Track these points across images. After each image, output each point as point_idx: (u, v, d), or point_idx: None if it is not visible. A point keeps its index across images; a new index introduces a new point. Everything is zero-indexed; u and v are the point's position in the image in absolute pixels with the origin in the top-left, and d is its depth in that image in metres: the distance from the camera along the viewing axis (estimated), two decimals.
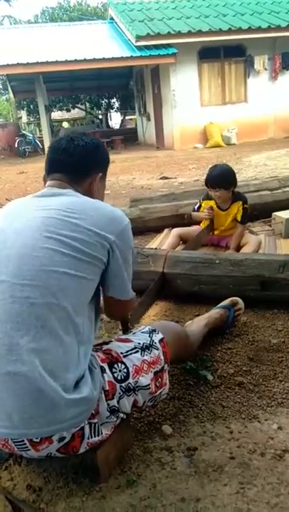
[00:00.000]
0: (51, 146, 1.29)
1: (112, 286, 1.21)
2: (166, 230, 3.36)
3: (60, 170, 1.25)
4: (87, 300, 1.13)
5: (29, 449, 1.04)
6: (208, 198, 2.85)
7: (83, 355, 1.08)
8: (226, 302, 1.92)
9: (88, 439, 1.09)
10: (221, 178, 2.70)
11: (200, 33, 10.28)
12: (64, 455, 1.09)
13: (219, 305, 1.91)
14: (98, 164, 1.31)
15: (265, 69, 11.29)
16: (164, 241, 3.07)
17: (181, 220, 3.34)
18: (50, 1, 29.10)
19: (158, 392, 1.25)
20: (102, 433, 1.12)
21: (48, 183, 1.26)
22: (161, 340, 1.30)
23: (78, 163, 1.25)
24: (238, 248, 2.75)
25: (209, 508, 1.08)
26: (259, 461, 1.21)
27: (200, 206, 2.90)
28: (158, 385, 1.25)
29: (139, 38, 10.23)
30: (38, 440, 1.02)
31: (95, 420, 1.10)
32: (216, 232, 2.95)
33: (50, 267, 1.05)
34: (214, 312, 1.86)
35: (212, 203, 2.82)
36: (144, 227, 3.46)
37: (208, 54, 10.99)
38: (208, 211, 2.82)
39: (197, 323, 1.75)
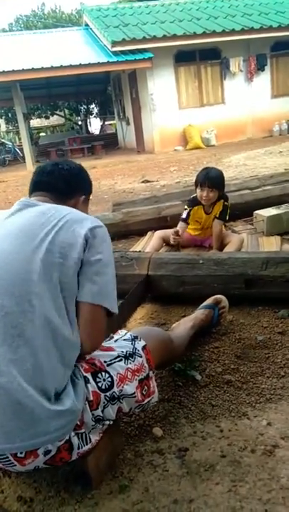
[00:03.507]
0: (36, 171, 1.33)
1: (87, 287, 1.08)
2: (149, 233, 3.37)
3: (45, 190, 1.28)
4: (67, 309, 1.08)
5: (15, 465, 1.01)
6: (194, 204, 2.84)
7: (65, 364, 1.05)
8: (209, 301, 1.92)
9: (78, 449, 1.07)
10: (219, 180, 2.74)
11: (175, 37, 10.38)
12: (53, 466, 1.07)
13: (203, 304, 1.91)
14: (82, 187, 1.35)
15: (241, 71, 11.45)
16: (148, 244, 3.08)
17: (164, 222, 3.35)
18: (24, 8, 28.92)
19: (146, 401, 1.24)
20: (91, 440, 1.11)
21: (31, 198, 1.26)
22: (144, 348, 1.28)
23: (63, 185, 1.29)
24: (221, 248, 2.78)
25: (202, 508, 1.08)
26: (250, 457, 1.22)
27: (188, 214, 2.86)
28: (145, 393, 1.23)
29: (114, 43, 10.26)
30: (22, 455, 1.00)
31: (82, 430, 1.08)
32: (198, 233, 2.96)
33: (26, 274, 1.03)
34: (199, 313, 1.86)
35: (200, 208, 2.83)
36: (128, 231, 3.46)
37: (184, 57, 11.09)
38: (173, 237, 2.74)
39: (183, 326, 1.75)
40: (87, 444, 1.09)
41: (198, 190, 2.76)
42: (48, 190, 1.27)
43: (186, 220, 2.88)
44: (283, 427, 1.32)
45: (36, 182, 1.30)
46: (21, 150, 12.96)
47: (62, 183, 1.28)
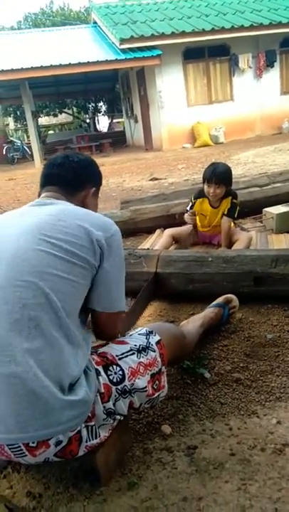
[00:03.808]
0: (46, 163, 1.35)
1: (103, 296, 1.16)
2: (158, 231, 3.36)
3: (55, 183, 1.29)
4: (79, 304, 1.12)
5: (26, 455, 1.02)
6: (200, 196, 2.85)
7: (78, 357, 1.07)
8: (219, 300, 1.91)
9: (86, 442, 1.08)
10: (226, 175, 2.73)
11: (183, 33, 10.33)
12: (62, 459, 1.08)
13: (213, 303, 1.91)
14: (92, 179, 1.36)
15: (250, 67, 11.38)
16: (156, 241, 3.07)
17: (173, 220, 3.34)
18: (33, 6, 28.97)
19: (156, 395, 1.24)
20: (100, 435, 1.11)
21: (42, 195, 1.29)
22: (158, 342, 1.29)
23: (73, 177, 1.30)
24: (230, 246, 2.76)
25: (211, 506, 1.07)
26: (259, 456, 1.21)
27: (193, 205, 2.89)
28: (155, 387, 1.24)
29: (123, 40, 10.25)
30: (34, 445, 1.01)
31: (92, 423, 1.09)
32: (207, 230, 2.95)
33: (42, 268, 1.05)
34: (209, 311, 1.85)
35: (206, 201, 2.82)
36: (136, 229, 3.45)
37: (193, 54, 11.05)
38: (190, 217, 2.89)
39: (193, 323, 1.74)
40: (95, 438, 1.10)
41: (205, 186, 2.75)
42: (58, 184, 1.29)
43: (188, 211, 2.91)
44: None
45: (47, 175, 1.31)
46: (30, 148, 13.02)
47: (72, 176, 1.29)
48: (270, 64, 11.44)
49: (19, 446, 1.01)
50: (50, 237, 1.09)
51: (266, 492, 1.09)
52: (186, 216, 2.94)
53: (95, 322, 1.23)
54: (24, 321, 1.01)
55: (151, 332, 1.31)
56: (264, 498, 1.08)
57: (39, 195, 1.30)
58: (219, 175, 2.69)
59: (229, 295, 1.94)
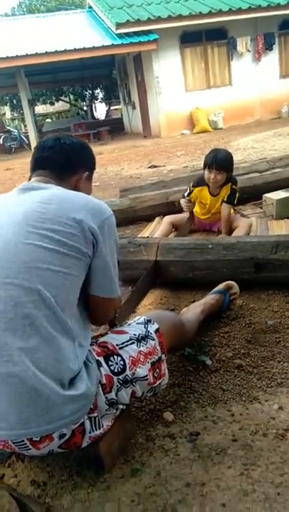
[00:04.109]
0: (37, 146, 1.29)
1: (98, 282, 1.14)
2: (157, 218, 3.34)
3: (46, 167, 1.24)
4: (75, 296, 1.10)
5: (30, 448, 1.02)
6: (199, 184, 2.82)
7: (77, 351, 1.06)
8: (220, 287, 1.91)
9: (90, 433, 1.08)
10: (227, 162, 2.70)
11: (180, 17, 10.15)
12: (66, 450, 1.08)
13: (214, 290, 1.90)
14: (84, 163, 1.30)
15: (248, 50, 11.19)
16: (156, 229, 3.06)
17: (172, 207, 3.32)
18: None
19: (157, 383, 1.24)
20: (103, 425, 1.12)
21: (32, 179, 1.24)
22: (156, 331, 1.28)
23: (64, 160, 1.24)
24: (230, 232, 2.75)
25: (214, 491, 1.08)
26: (262, 441, 1.22)
27: (190, 193, 2.87)
28: (156, 375, 1.24)
29: (119, 25, 10.07)
30: (38, 439, 1.01)
31: (95, 414, 1.09)
32: (207, 217, 2.93)
33: (32, 263, 1.02)
34: (210, 298, 1.85)
35: (205, 189, 2.80)
36: (135, 217, 3.44)
37: (190, 38, 10.85)
38: (186, 204, 2.89)
39: (193, 310, 1.74)
40: (98, 429, 1.10)
41: (206, 172, 2.72)
42: (49, 168, 1.23)
43: (185, 197, 2.89)
44: None
45: (37, 158, 1.26)
46: (27, 137, 12.90)
47: (63, 159, 1.24)
48: (268, 47, 11.24)
49: (23, 441, 1.01)
50: (39, 227, 1.04)
51: (268, 477, 1.10)
52: (182, 201, 2.93)
53: (90, 306, 1.19)
54: (18, 319, 0.99)
55: (149, 321, 1.30)
56: (266, 482, 1.09)
57: (29, 180, 1.25)
58: (220, 161, 2.66)
59: (230, 282, 1.94)
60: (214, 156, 2.68)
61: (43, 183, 1.19)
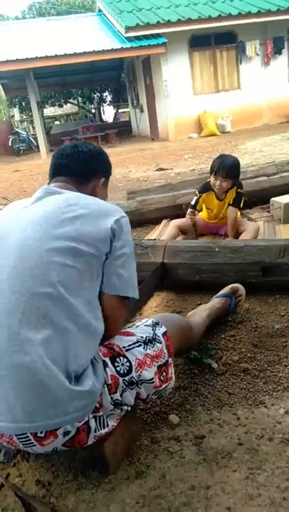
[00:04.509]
0: (55, 153, 1.34)
1: (114, 280, 1.14)
2: (164, 221, 3.35)
3: (64, 173, 1.29)
4: (93, 294, 1.12)
5: (34, 445, 1.03)
6: (206, 190, 2.81)
7: (87, 347, 1.07)
8: (226, 290, 1.90)
9: (95, 432, 1.09)
10: (234, 169, 2.69)
11: (190, 21, 10.16)
12: (70, 448, 1.09)
13: (219, 293, 1.90)
14: (101, 170, 1.36)
15: (257, 54, 11.18)
16: (163, 232, 3.06)
17: (179, 210, 3.32)
18: None
19: (163, 387, 1.24)
20: (108, 425, 1.12)
21: (51, 184, 1.29)
22: (164, 334, 1.28)
23: (82, 167, 1.30)
24: (237, 236, 2.74)
25: (219, 494, 1.08)
26: (267, 446, 1.21)
27: (198, 200, 2.85)
28: (163, 379, 1.24)
29: (128, 29, 10.11)
30: (42, 435, 1.01)
31: (100, 413, 1.10)
32: (214, 222, 2.93)
33: (49, 257, 1.05)
34: (216, 301, 1.84)
35: (211, 194, 2.80)
36: (143, 219, 3.44)
37: (199, 42, 10.87)
38: (189, 217, 2.86)
39: (199, 314, 1.74)
40: (104, 428, 1.10)
41: (212, 178, 2.72)
42: (67, 174, 1.29)
43: (194, 207, 2.86)
44: None
45: (56, 165, 1.32)
46: (35, 139, 12.98)
47: (81, 166, 1.29)
48: (278, 51, 11.21)
49: (27, 436, 1.01)
50: (57, 226, 1.08)
51: (274, 481, 1.10)
52: (187, 215, 2.89)
53: (103, 308, 1.17)
54: (33, 310, 1.01)
55: (157, 323, 1.31)
56: (272, 487, 1.08)
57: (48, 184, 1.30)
58: (228, 169, 2.65)
59: (235, 284, 1.93)
60: (221, 163, 2.66)
61: (62, 189, 1.23)
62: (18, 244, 1.07)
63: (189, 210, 2.88)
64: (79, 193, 1.23)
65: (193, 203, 2.87)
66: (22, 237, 1.08)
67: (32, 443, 1.03)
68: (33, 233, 1.08)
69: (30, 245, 1.06)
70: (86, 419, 1.05)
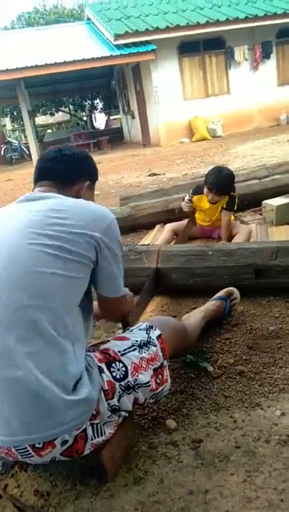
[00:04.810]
0: (39, 158, 1.34)
1: (104, 284, 1.20)
2: (158, 226, 3.36)
3: (48, 177, 1.28)
4: (77, 299, 1.12)
5: (32, 455, 1.02)
6: (198, 192, 2.83)
7: (78, 355, 1.07)
8: (221, 293, 1.92)
9: (92, 440, 1.08)
10: (228, 187, 2.69)
11: (178, 27, 10.26)
12: (68, 458, 1.08)
13: (215, 296, 1.91)
14: (86, 173, 1.34)
15: (246, 59, 11.30)
16: (157, 237, 3.08)
17: (172, 215, 3.34)
18: (26, 6, 28.81)
19: (159, 389, 1.25)
20: (105, 433, 1.12)
21: (35, 190, 1.28)
22: (158, 337, 1.29)
23: (66, 171, 1.28)
24: (230, 239, 2.76)
25: (218, 498, 1.08)
26: (264, 448, 1.21)
27: (190, 200, 2.88)
28: (158, 382, 1.24)
29: (117, 36, 10.19)
30: (40, 446, 1.01)
31: (97, 421, 1.09)
32: (207, 224, 2.95)
33: (37, 267, 1.04)
34: (210, 304, 1.85)
35: (204, 197, 2.81)
36: (136, 225, 3.45)
37: (188, 48, 10.97)
38: (187, 204, 2.89)
39: (194, 317, 1.75)
40: (100, 436, 1.10)
41: (205, 189, 2.72)
42: (51, 178, 1.27)
43: (186, 200, 2.90)
44: None
45: (39, 169, 1.30)
46: (27, 148, 12.99)
47: (65, 169, 1.28)
48: (266, 55, 11.35)
49: (25, 448, 1.01)
50: (44, 234, 1.07)
51: (272, 483, 1.10)
52: (183, 204, 2.93)
53: (101, 306, 1.28)
54: (22, 323, 1.00)
55: (151, 327, 1.31)
56: (270, 489, 1.08)
57: (33, 191, 1.28)
58: (222, 186, 2.65)
59: (230, 288, 1.94)
60: (216, 179, 2.63)
61: (45, 193, 1.22)
62: (4, 255, 1.05)
63: (186, 198, 2.89)
64: (64, 197, 1.20)
65: (186, 197, 2.90)
66: (6, 247, 1.06)
67: (30, 454, 1.02)
68: (17, 242, 1.06)
69: (16, 254, 1.05)
70: (84, 426, 1.05)
